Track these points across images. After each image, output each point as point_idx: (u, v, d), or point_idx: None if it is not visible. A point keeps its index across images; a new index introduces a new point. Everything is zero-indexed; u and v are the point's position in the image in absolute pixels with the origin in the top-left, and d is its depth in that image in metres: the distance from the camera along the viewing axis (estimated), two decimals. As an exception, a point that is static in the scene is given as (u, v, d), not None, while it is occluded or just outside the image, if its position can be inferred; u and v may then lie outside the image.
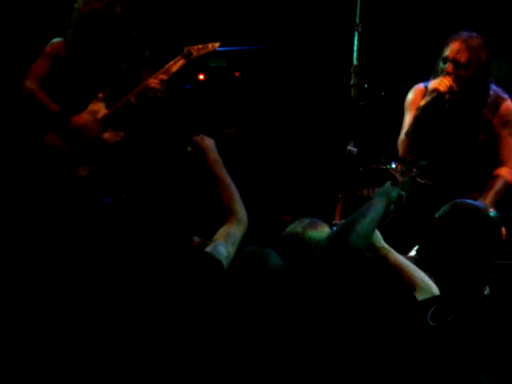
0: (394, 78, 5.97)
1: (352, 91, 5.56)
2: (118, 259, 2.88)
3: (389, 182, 2.89)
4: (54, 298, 3.30)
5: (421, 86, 4.49)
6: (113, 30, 4.47)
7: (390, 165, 5.71)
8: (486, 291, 2.70)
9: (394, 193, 2.83)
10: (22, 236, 4.02)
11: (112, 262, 2.90)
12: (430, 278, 2.89)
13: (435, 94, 4.32)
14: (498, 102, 4.38)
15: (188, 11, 6.80)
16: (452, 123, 4.44)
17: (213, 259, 2.88)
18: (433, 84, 4.35)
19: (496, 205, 4.19)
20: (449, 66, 4.33)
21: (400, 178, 5.44)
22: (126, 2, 4.50)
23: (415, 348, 2.61)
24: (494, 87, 4.48)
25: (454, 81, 4.33)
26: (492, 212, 2.73)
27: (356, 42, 5.60)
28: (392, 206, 2.82)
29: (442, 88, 4.31)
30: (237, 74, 7.12)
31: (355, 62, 5.57)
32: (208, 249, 2.95)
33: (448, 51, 4.34)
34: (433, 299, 2.78)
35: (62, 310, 3.14)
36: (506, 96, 4.44)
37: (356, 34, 5.59)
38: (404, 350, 2.62)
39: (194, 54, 4.57)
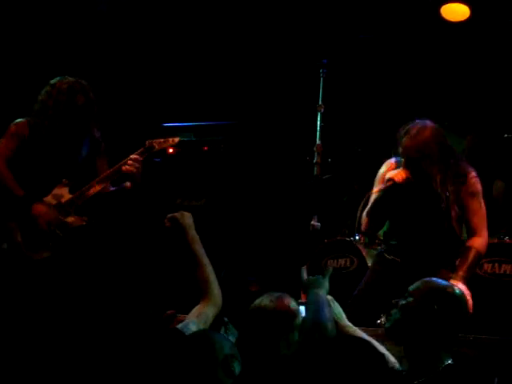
0: (356, 154, 6.14)
1: (315, 169, 5.69)
2: (85, 338, 2.98)
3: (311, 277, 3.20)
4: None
5: (392, 160, 4.60)
6: (74, 119, 4.58)
7: (354, 237, 5.83)
8: (449, 361, 2.94)
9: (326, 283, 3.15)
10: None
11: (79, 340, 3.01)
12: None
13: (391, 182, 4.42)
14: (466, 174, 4.49)
15: (161, 85, 7.02)
16: (415, 203, 4.52)
17: (182, 336, 3.00)
18: (390, 174, 4.47)
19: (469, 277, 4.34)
20: (403, 162, 4.46)
21: (363, 250, 5.59)
22: (87, 92, 4.61)
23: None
24: (460, 161, 4.59)
25: (411, 172, 4.43)
26: (457, 290, 3.08)
27: (319, 122, 5.76)
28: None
29: (397, 179, 4.42)
30: (205, 148, 7.31)
31: (318, 141, 5.72)
32: (179, 326, 3.08)
33: (400, 148, 4.47)
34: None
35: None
36: (471, 169, 4.55)
37: (319, 114, 5.75)
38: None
39: (156, 147, 4.68)
